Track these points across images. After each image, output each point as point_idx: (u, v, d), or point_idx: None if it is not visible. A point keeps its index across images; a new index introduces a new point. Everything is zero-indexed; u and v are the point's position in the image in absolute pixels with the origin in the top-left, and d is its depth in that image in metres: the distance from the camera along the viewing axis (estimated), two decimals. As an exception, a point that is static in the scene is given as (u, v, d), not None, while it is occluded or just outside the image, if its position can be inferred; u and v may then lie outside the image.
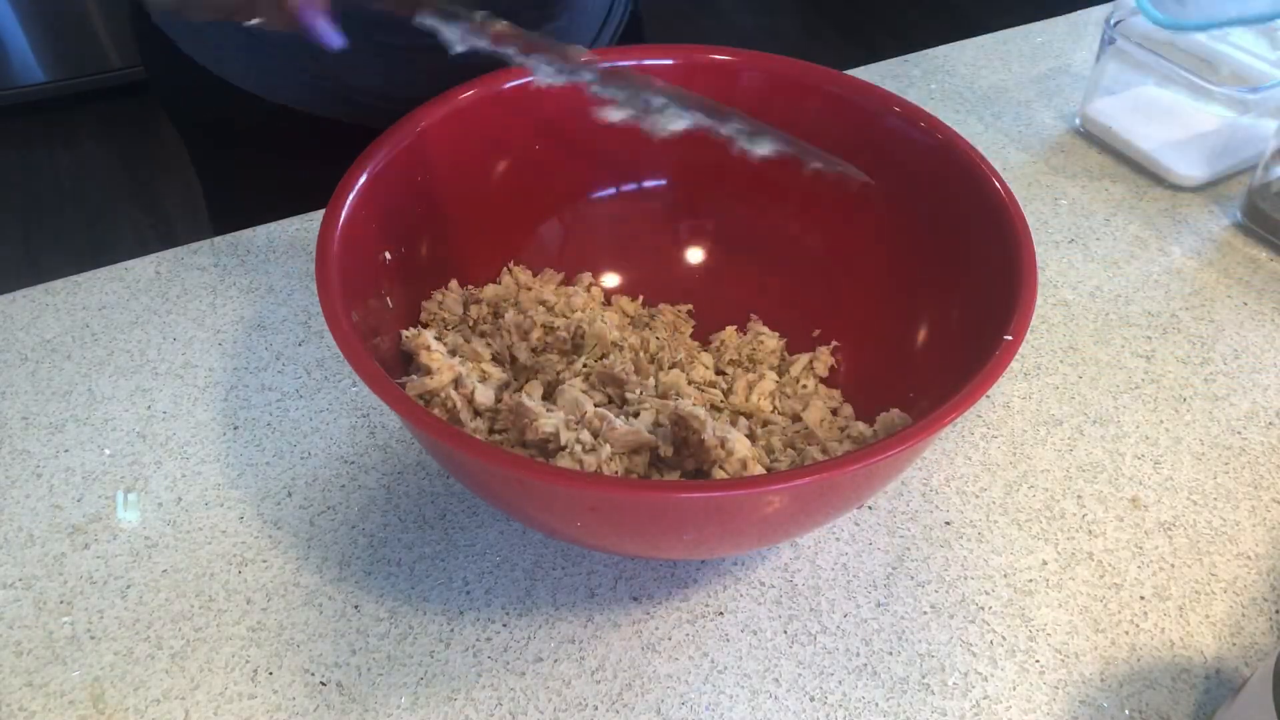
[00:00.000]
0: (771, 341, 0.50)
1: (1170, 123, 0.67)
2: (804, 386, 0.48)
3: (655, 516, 0.36)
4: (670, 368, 0.48)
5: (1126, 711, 0.40)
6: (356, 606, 0.42)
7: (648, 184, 0.53)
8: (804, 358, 0.49)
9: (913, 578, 0.44)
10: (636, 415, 0.42)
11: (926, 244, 0.46)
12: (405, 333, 0.43)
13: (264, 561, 0.44)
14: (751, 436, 0.45)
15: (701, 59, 0.49)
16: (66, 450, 0.48)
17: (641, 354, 0.48)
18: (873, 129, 0.48)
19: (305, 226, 0.60)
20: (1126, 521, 0.46)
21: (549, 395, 0.45)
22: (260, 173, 0.66)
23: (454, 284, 0.49)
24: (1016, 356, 0.53)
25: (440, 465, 0.42)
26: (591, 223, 0.53)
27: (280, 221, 0.60)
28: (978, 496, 0.47)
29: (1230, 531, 0.46)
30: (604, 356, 0.47)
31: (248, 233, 0.60)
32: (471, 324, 0.48)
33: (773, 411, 0.47)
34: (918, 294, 0.47)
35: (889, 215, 0.48)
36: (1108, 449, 0.49)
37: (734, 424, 0.45)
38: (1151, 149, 0.66)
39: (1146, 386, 0.52)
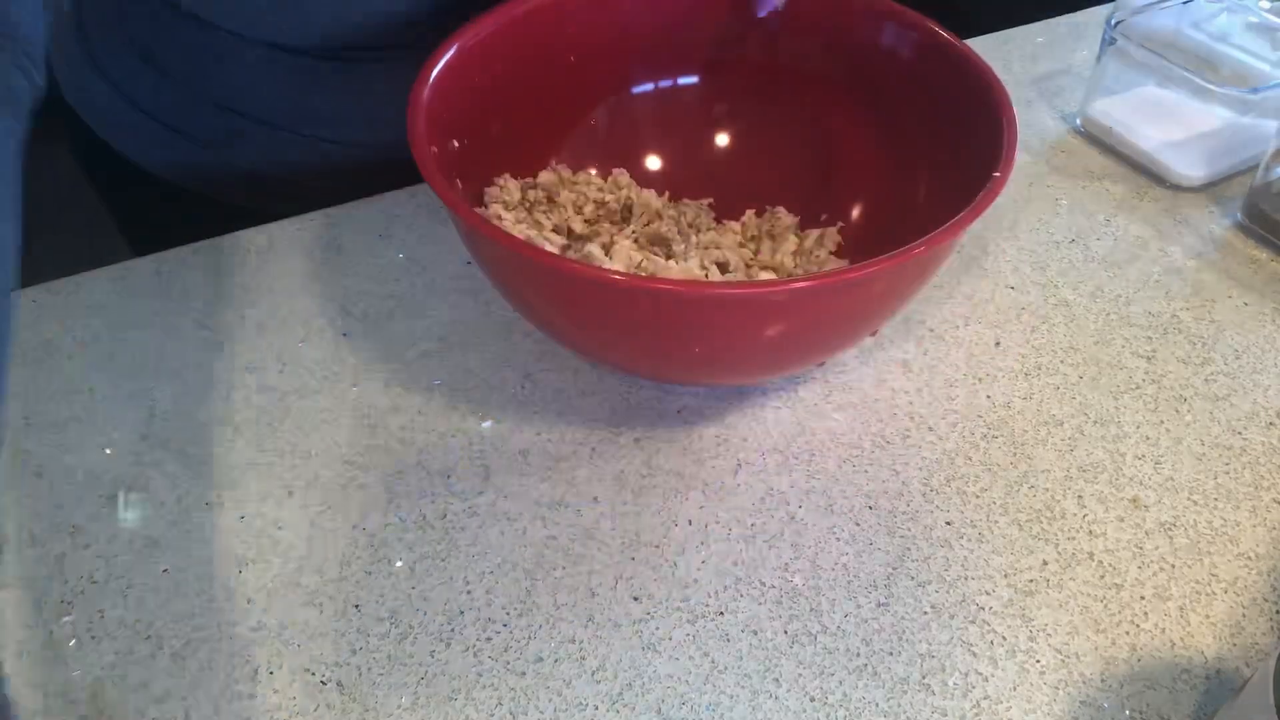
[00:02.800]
0: (787, 219, 0.56)
1: (1171, 123, 0.67)
2: (817, 255, 0.54)
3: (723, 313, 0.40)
4: (707, 231, 0.54)
5: (1127, 712, 0.40)
6: (357, 606, 0.42)
7: (682, 81, 0.58)
8: (815, 233, 0.55)
9: (913, 578, 0.44)
10: (685, 262, 0.49)
11: (917, 125, 0.53)
12: (475, 210, 0.48)
13: (264, 562, 0.44)
14: None
15: None
16: (68, 450, 0.48)
17: (682, 220, 0.54)
18: (878, 33, 0.54)
19: (305, 226, 0.60)
20: (1127, 522, 0.46)
21: (606, 254, 0.49)
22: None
23: (508, 175, 0.53)
24: (1017, 356, 0.53)
25: (506, 290, 0.45)
26: (628, 120, 0.58)
27: (280, 222, 0.60)
28: (978, 497, 0.47)
29: (1231, 532, 0.46)
30: (649, 223, 0.53)
31: (249, 232, 0.60)
32: (529, 206, 0.53)
33: (795, 268, 0.52)
34: (914, 168, 0.53)
35: (892, 104, 0.54)
36: (1108, 449, 0.49)
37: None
38: (1152, 149, 0.66)
39: (1147, 387, 0.52)
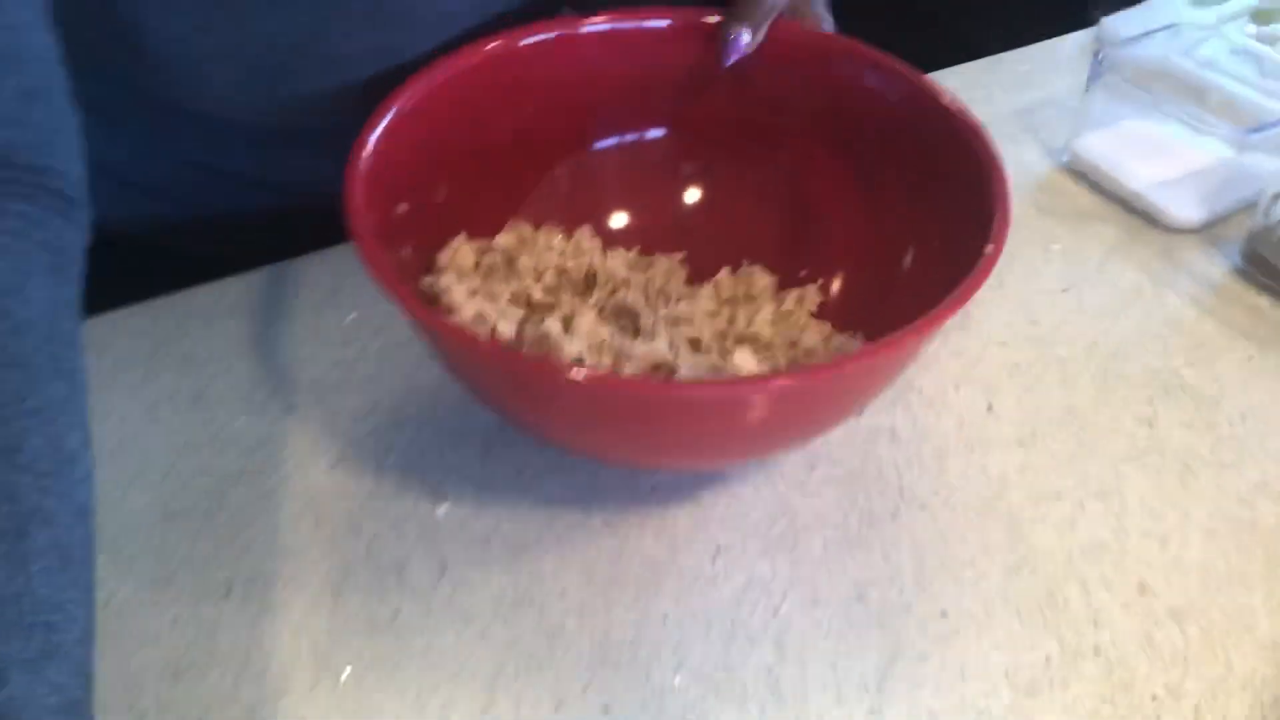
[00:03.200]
0: (764, 279, 0.52)
1: (1162, 160, 0.64)
2: (797, 319, 0.50)
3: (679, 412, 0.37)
4: (677, 300, 0.50)
5: (1143, 832, 0.36)
6: (298, 727, 0.38)
7: (650, 134, 0.55)
8: (794, 293, 0.51)
9: (908, 679, 0.40)
10: (652, 339, 0.45)
11: (900, 180, 0.49)
12: (425, 279, 0.46)
13: (199, 671, 0.40)
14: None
15: (694, 21, 0.51)
16: (-19, 547, 0.44)
17: (649, 288, 0.50)
18: (853, 82, 0.50)
19: (251, 286, 0.56)
20: (1135, 609, 0.43)
21: (567, 329, 0.45)
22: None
23: (463, 236, 0.49)
24: (1011, 422, 0.50)
25: (468, 388, 0.42)
26: (592, 176, 0.54)
27: (223, 281, 0.56)
28: (975, 584, 0.44)
29: (1246, 619, 0.43)
30: (615, 292, 0.49)
31: (189, 294, 0.56)
32: (485, 272, 0.49)
33: (773, 337, 0.48)
34: (898, 228, 0.49)
35: (871, 157, 0.51)
36: (1111, 526, 0.46)
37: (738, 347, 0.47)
38: (1143, 189, 0.63)
39: (1150, 455, 0.49)
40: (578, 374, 0.34)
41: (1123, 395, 0.52)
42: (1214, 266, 0.60)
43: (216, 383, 0.51)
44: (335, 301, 0.55)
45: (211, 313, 0.54)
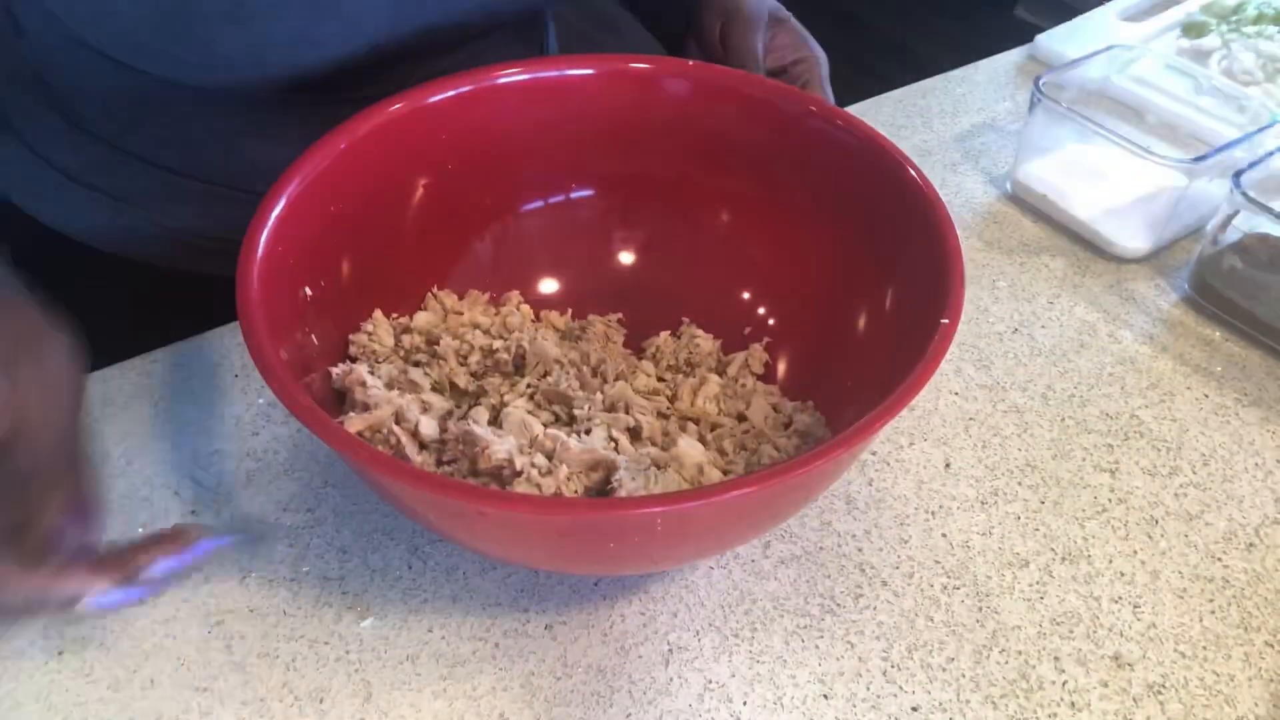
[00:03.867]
0: (707, 344, 0.49)
1: (1108, 187, 0.62)
2: (743, 385, 0.47)
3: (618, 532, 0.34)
4: (615, 380, 0.46)
5: None
6: None
7: (575, 194, 0.51)
8: (739, 356, 0.48)
9: (880, 786, 0.38)
10: (588, 432, 0.42)
11: (850, 239, 0.46)
12: (335, 369, 0.42)
13: (96, 833, 0.36)
14: (702, 441, 0.44)
15: (621, 68, 0.47)
16: None
17: (584, 367, 0.46)
18: (792, 130, 0.47)
19: (148, 370, 0.51)
20: (1111, 687, 0.41)
21: (495, 420, 0.43)
22: (120, 323, 0.62)
23: (378, 314, 0.46)
24: (970, 480, 0.48)
25: (396, 506, 0.38)
26: (518, 239, 0.51)
27: (119, 365, 0.51)
28: (944, 669, 0.41)
29: (1225, 689, 0.41)
30: (547, 374, 0.45)
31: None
32: (405, 354, 0.45)
33: (719, 414, 0.46)
34: (847, 287, 0.46)
35: (814, 213, 0.48)
36: (1081, 593, 0.44)
37: (683, 430, 0.44)
38: (1090, 218, 0.61)
39: (1114, 508, 0.47)
40: (489, 506, 0.31)
41: (1083, 445, 0.50)
42: (1163, 298, 0.58)
43: (115, 486, 0.46)
44: (244, 383, 0.51)
45: (108, 400, 0.49)
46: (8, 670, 0.40)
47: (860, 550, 0.45)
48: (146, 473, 0.47)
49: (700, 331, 0.49)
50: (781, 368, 0.48)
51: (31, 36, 0.53)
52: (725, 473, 0.42)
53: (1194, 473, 0.49)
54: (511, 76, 0.46)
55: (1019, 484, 0.48)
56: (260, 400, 0.50)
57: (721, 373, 0.48)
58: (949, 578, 0.44)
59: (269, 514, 0.45)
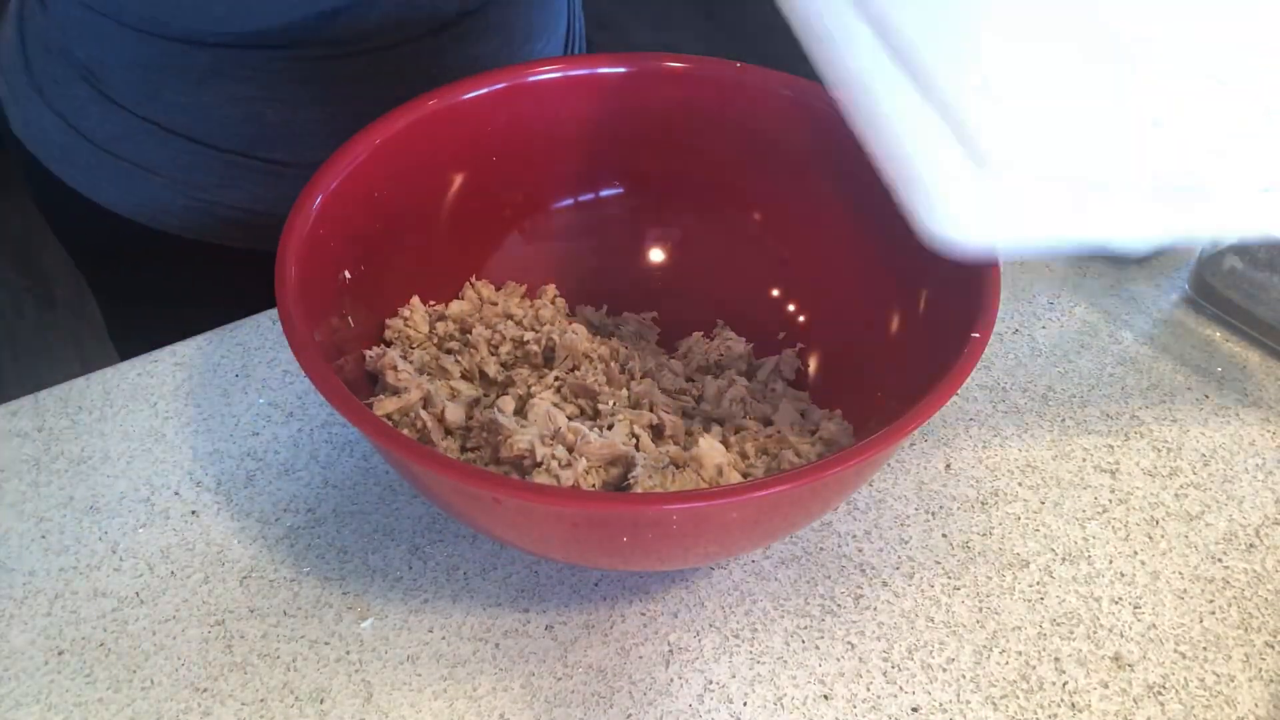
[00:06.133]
0: (739, 347, 0.49)
1: (1106, 187, 0.62)
2: (772, 390, 0.47)
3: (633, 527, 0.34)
4: (642, 377, 0.46)
5: None
6: None
7: (605, 193, 0.51)
8: (770, 361, 0.48)
9: (880, 786, 0.38)
10: (610, 428, 0.42)
11: (885, 242, 0.45)
12: (369, 352, 0.43)
13: (97, 834, 0.36)
14: (725, 443, 0.43)
15: (656, 66, 0.48)
16: None
17: (612, 363, 0.46)
18: (829, 131, 0.45)
19: (149, 370, 0.51)
20: (1112, 687, 0.41)
21: (521, 410, 0.43)
22: (150, 298, 0.65)
23: (416, 301, 0.47)
24: (970, 481, 0.48)
25: (412, 486, 0.40)
26: (552, 234, 0.51)
27: (118, 366, 0.51)
28: (945, 669, 0.41)
29: (1226, 690, 0.41)
30: (575, 368, 0.45)
31: (79, 383, 0.51)
32: (438, 341, 0.46)
33: (745, 417, 0.45)
34: (881, 292, 0.46)
35: (848, 215, 0.47)
36: (1081, 594, 0.44)
37: (707, 430, 0.44)
38: (1090, 217, 0.61)
39: (1115, 509, 0.47)
40: (505, 495, 0.31)
41: (1083, 445, 0.50)
42: (1164, 297, 0.58)
43: (116, 487, 0.46)
44: (244, 384, 0.51)
45: (106, 401, 0.49)
46: (8, 670, 0.40)
47: (860, 551, 0.45)
48: (146, 473, 0.47)
49: (733, 334, 0.49)
50: (812, 372, 0.48)
51: (53, 8, 0.55)
52: (745, 475, 0.42)
53: (1194, 473, 0.49)
54: (546, 74, 0.47)
55: (1019, 485, 0.48)
56: (260, 400, 0.50)
57: (751, 376, 0.48)
58: (949, 579, 0.44)
59: (269, 514, 0.45)
